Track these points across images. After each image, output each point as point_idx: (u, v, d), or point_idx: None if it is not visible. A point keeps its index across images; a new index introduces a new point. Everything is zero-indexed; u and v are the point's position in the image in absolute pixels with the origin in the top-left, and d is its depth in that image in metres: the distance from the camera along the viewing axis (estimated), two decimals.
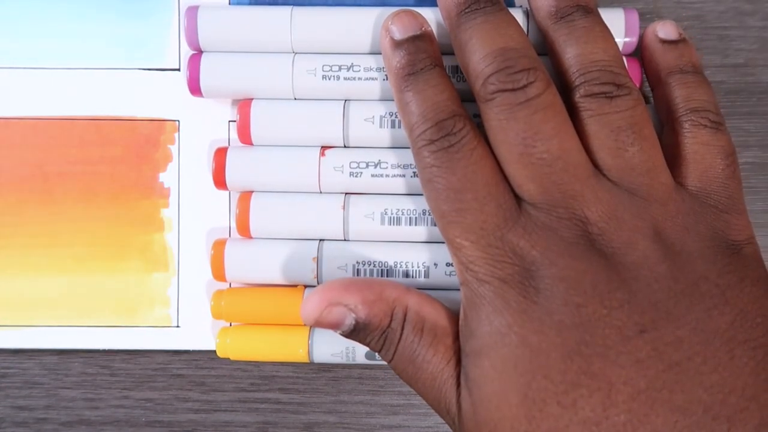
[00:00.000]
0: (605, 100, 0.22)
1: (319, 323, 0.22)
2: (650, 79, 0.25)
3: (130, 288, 0.28)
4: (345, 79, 0.25)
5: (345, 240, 0.26)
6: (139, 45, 0.28)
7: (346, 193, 0.26)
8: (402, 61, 0.23)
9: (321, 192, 0.26)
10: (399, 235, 0.25)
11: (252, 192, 0.26)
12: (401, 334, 0.22)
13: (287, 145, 0.26)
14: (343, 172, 0.25)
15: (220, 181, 0.26)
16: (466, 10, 0.23)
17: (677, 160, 0.23)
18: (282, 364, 0.28)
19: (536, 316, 0.20)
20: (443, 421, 0.28)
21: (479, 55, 0.22)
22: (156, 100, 0.28)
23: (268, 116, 0.26)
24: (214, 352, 0.28)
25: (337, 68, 0.25)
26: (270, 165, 0.26)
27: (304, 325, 0.23)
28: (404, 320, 0.22)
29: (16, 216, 0.28)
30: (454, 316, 0.23)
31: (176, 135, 0.28)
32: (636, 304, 0.20)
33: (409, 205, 0.25)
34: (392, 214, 0.25)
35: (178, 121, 0.28)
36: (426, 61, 0.23)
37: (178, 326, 0.28)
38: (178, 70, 0.28)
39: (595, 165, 0.22)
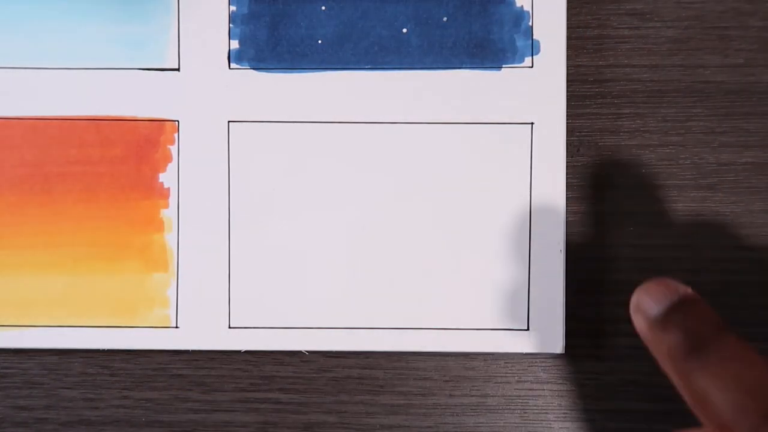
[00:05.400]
0: None
1: None
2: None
3: (130, 288, 0.28)
4: None
5: None
6: (139, 45, 0.28)
7: None
8: (675, 340, 0.19)
9: None
10: None
11: None
12: None
13: None
14: None
15: None
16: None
17: None
18: (282, 364, 0.28)
19: None
20: (443, 421, 0.28)
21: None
22: (156, 100, 0.28)
23: None
24: (214, 352, 0.28)
25: None
26: None
27: None
28: None
29: (16, 216, 0.28)
30: None
31: (176, 135, 0.28)
32: None
33: None
34: None
35: (178, 121, 0.28)
36: (708, 328, 0.18)
37: (177, 327, 0.28)
38: (178, 70, 0.28)
39: None
